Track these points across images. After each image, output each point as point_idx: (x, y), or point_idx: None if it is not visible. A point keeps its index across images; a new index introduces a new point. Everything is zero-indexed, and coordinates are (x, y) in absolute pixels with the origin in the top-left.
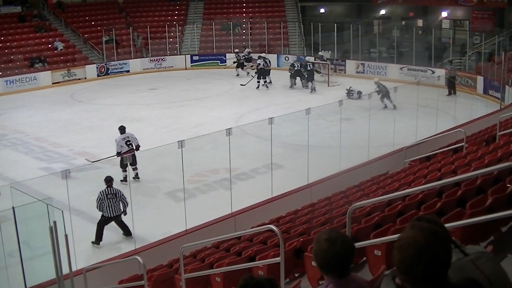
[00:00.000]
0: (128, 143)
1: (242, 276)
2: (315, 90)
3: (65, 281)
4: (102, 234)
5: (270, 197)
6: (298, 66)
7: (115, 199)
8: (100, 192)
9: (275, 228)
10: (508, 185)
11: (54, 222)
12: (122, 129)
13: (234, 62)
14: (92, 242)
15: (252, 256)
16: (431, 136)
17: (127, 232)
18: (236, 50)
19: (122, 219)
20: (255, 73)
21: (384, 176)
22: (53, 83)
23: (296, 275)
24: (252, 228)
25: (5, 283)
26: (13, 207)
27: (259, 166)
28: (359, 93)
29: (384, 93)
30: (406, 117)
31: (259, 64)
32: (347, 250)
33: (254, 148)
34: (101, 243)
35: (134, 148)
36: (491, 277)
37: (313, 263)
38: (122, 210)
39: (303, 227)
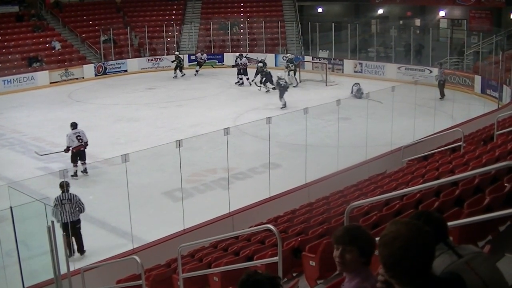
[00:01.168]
0: (78, 137)
1: (247, 271)
2: (285, 106)
3: (63, 281)
4: (70, 243)
5: (268, 196)
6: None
7: (71, 204)
8: (55, 198)
9: (273, 228)
10: (505, 184)
11: (52, 222)
12: (74, 125)
13: (233, 66)
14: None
15: (250, 256)
16: (429, 136)
17: (80, 248)
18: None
19: (80, 231)
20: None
21: (382, 176)
22: (50, 83)
23: (294, 274)
24: (250, 227)
25: (3, 283)
26: (10, 207)
27: (257, 165)
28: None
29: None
30: (404, 117)
31: (241, 63)
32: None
33: (252, 148)
34: (98, 242)
35: (84, 144)
36: (486, 278)
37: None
38: (78, 217)
39: (301, 226)
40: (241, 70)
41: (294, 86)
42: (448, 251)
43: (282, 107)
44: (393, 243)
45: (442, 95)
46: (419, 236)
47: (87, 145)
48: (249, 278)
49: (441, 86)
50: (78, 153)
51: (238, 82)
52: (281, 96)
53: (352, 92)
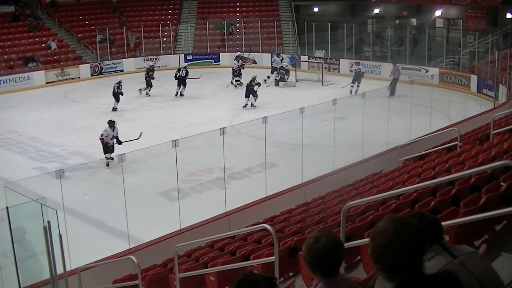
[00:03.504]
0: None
1: (243, 271)
2: (251, 107)
3: (59, 281)
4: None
5: (264, 196)
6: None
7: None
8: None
9: (269, 227)
10: (501, 183)
11: (48, 222)
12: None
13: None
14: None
15: (246, 256)
16: (425, 135)
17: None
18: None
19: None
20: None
21: (378, 175)
22: (46, 83)
23: (291, 274)
24: (246, 227)
25: None
26: (7, 207)
27: (253, 165)
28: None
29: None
30: (400, 116)
31: (236, 65)
32: (332, 248)
33: (248, 148)
34: (95, 242)
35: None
36: (482, 278)
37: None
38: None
39: (297, 226)
40: (237, 72)
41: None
42: (442, 252)
43: (244, 106)
44: (377, 238)
45: (393, 92)
46: (403, 234)
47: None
48: (246, 278)
49: (394, 83)
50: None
51: (238, 83)
52: (247, 96)
53: (352, 71)
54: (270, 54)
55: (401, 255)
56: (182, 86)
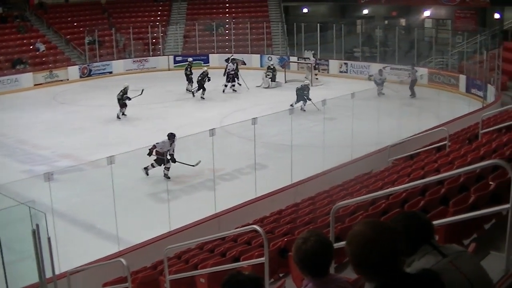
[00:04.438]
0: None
1: (230, 272)
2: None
3: (48, 285)
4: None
5: (254, 197)
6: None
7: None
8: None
9: (259, 229)
10: (490, 182)
11: (37, 225)
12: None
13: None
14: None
15: (236, 257)
16: (414, 135)
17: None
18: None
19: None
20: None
21: (367, 175)
22: (35, 85)
23: (281, 275)
24: (236, 228)
25: None
26: None
27: (243, 166)
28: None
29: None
30: (390, 116)
31: (231, 68)
32: (321, 249)
33: (238, 149)
34: (84, 245)
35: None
36: (471, 276)
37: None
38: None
39: (287, 227)
40: (233, 75)
41: (265, 87)
42: (432, 251)
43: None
44: (355, 242)
45: (414, 94)
46: (381, 236)
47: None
48: (231, 279)
49: (412, 85)
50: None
51: (228, 87)
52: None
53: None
54: (259, 55)
55: (382, 257)
56: (188, 83)
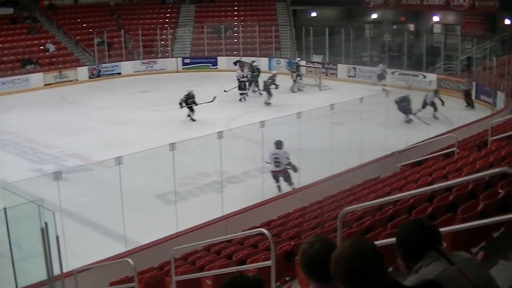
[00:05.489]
0: (276, 160)
1: (232, 274)
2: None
3: (56, 282)
4: None
5: (261, 200)
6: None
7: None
8: None
9: (266, 232)
10: (499, 190)
11: (45, 223)
12: (276, 144)
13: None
14: None
15: (242, 260)
16: (422, 141)
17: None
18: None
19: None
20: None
21: (375, 181)
22: (44, 85)
23: (287, 278)
24: (243, 231)
25: None
26: (4, 208)
27: (250, 169)
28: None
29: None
30: (398, 122)
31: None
32: (327, 254)
33: (245, 152)
34: (91, 245)
35: (279, 170)
36: (479, 284)
37: None
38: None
39: (294, 230)
40: (244, 83)
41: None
42: (440, 258)
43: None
44: (338, 260)
45: (471, 105)
46: (361, 253)
47: (284, 170)
48: (231, 281)
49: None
50: (275, 176)
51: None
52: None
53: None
54: (268, 58)
55: (364, 274)
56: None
